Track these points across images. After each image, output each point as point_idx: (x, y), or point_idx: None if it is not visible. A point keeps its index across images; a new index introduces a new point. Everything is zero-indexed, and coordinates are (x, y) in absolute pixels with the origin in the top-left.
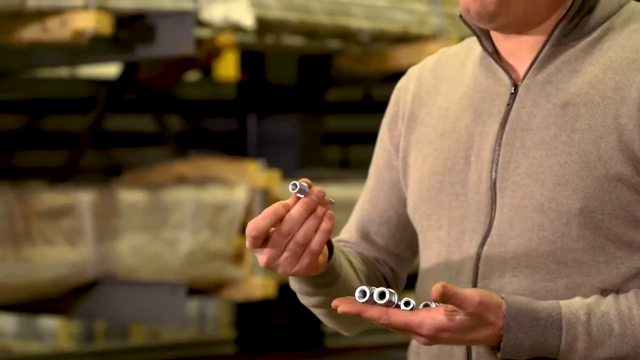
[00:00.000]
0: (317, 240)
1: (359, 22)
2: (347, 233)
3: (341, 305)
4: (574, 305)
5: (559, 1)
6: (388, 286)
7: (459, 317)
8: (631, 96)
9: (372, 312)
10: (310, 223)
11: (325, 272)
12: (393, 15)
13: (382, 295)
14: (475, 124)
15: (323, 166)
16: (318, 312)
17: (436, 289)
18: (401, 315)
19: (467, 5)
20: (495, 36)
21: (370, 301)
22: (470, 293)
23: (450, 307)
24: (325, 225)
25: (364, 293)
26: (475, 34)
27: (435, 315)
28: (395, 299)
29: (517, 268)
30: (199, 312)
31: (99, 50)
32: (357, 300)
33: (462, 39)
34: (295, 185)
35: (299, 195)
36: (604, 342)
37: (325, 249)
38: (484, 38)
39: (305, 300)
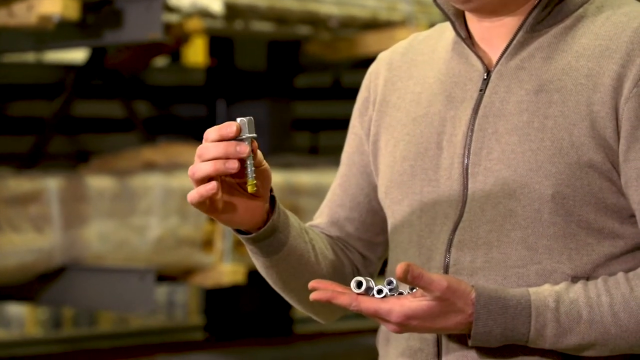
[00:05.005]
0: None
1: (328, 8)
2: (319, 218)
3: (313, 292)
4: (543, 292)
5: None
6: (358, 272)
7: (427, 302)
8: (603, 83)
9: (343, 299)
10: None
11: (267, 228)
12: (362, 1)
13: (359, 284)
14: (448, 109)
15: (292, 152)
16: (287, 296)
17: (401, 267)
18: (371, 302)
19: None
20: (469, 22)
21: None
22: (437, 277)
23: (419, 293)
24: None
25: (359, 283)
26: (449, 18)
27: (404, 302)
28: (372, 285)
29: (488, 254)
30: (168, 298)
31: (66, 35)
32: (327, 288)
33: (431, 25)
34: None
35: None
36: (572, 329)
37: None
38: (458, 23)
39: (264, 272)
